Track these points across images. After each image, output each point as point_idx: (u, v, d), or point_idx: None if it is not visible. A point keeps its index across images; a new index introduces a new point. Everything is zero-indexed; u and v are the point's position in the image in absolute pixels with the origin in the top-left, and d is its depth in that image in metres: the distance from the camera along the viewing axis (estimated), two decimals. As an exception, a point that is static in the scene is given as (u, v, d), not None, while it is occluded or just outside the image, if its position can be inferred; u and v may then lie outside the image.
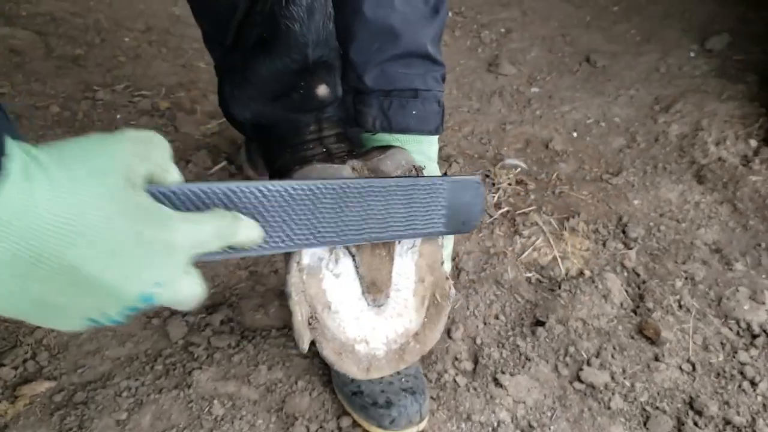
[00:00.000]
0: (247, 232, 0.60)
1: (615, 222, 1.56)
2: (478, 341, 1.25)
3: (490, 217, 1.56)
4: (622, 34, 2.36)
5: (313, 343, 0.79)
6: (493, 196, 1.60)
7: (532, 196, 1.62)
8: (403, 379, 1.04)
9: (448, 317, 1.31)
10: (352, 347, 0.81)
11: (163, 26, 2.13)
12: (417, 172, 0.81)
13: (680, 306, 1.35)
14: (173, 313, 1.22)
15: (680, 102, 1.95)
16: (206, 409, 1.05)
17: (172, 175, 0.56)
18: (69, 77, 1.83)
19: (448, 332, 1.27)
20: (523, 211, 1.56)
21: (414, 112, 0.96)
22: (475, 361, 1.21)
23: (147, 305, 0.52)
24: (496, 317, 1.31)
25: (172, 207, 0.56)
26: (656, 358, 1.24)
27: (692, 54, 2.21)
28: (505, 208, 1.57)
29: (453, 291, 0.87)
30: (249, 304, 1.26)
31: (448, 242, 0.99)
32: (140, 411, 1.04)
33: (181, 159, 1.57)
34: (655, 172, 1.72)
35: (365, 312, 0.82)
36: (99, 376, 1.10)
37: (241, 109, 0.94)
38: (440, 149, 1.77)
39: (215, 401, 1.06)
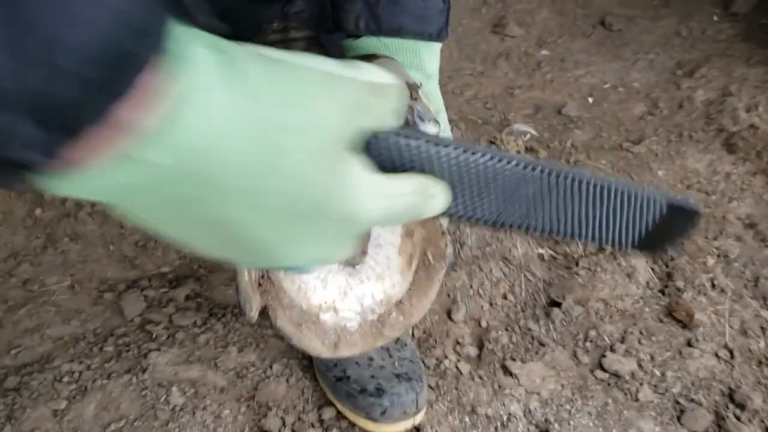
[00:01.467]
0: (436, 205, 0.46)
1: (637, 193, 1.42)
2: (483, 324, 1.11)
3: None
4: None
5: (265, 312, 0.64)
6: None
7: (544, 165, 1.48)
8: (396, 363, 0.90)
9: (444, 288, 1.16)
10: (316, 316, 0.65)
11: None
12: (412, 90, 0.65)
13: (713, 286, 1.21)
14: (129, 286, 1.08)
15: (705, 67, 1.81)
16: (162, 398, 0.91)
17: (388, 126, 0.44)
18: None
19: (448, 313, 1.13)
20: (533, 180, 1.42)
21: (410, 8, 0.79)
22: (480, 346, 1.07)
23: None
24: (504, 297, 1.17)
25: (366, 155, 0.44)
26: (689, 344, 1.10)
27: (715, 18, 2.06)
28: (514, 177, 1.42)
29: (450, 250, 0.70)
30: (221, 277, 1.11)
31: None
32: (83, 399, 0.89)
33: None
34: (680, 140, 1.58)
35: (335, 272, 0.66)
36: (37, 358, 0.95)
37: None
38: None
39: (174, 388, 0.92)
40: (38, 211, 1.24)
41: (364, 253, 0.65)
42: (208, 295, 1.09)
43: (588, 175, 0.58)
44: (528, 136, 1.56)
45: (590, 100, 1.73)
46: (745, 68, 1.80)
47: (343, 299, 0.65)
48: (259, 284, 0.61)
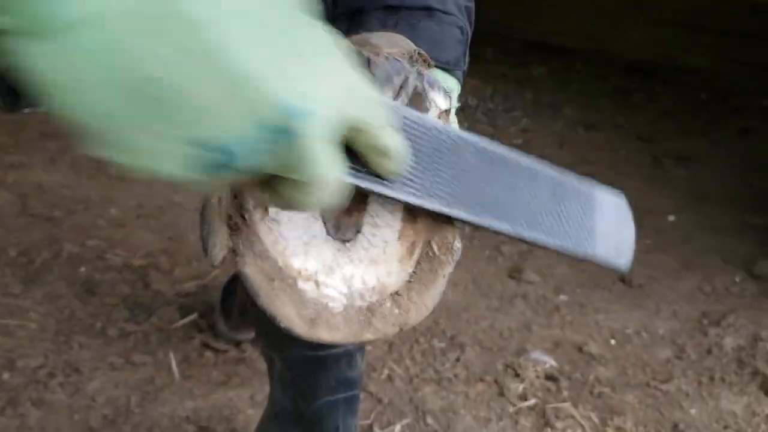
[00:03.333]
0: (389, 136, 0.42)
1: (669, 428, 1.31)
2: None
3: (513, 405, 1.31)
4: (658, 262, 2.24)
5: (231, 256, 0.50)
6: (518, 386, 1.37)
7: (566, 393, 1.38)
8: None
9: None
10: (293, 280, 0.51)
11: (156, 204, 2.04)
12: (424, 60, 0.60)
13: None
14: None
15: (731, 316, 1.77)
16: None
17: None
18: (37, 231, 1.71)
19: None
20: (555, 405, 1.32)
21: (425, 34, 0.73)
22: None
23: (284, 132, 0.33)
24: None
25: None
26: None
27: (737, 279, 2.07)
28: (533, 400, 1.32)
29: (459, 244, 0.58)
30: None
31: None
32: None
33: (144, 311, 1.38)
34: (711, 383, 1.49)
35: (320, 242, 0.54)
36: None
37: None
38: (451, 337, 1.56)
39: None
40: (6, 375, 1.15)
41: (356, 229, 0.56)
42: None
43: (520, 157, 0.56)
44: (547, 365, 1.48)
45: (612, 341, 1.67)
46: (774, 320, 1.76)
47: (328, 275, 0.54)
48: (229, 218, 0.51)
